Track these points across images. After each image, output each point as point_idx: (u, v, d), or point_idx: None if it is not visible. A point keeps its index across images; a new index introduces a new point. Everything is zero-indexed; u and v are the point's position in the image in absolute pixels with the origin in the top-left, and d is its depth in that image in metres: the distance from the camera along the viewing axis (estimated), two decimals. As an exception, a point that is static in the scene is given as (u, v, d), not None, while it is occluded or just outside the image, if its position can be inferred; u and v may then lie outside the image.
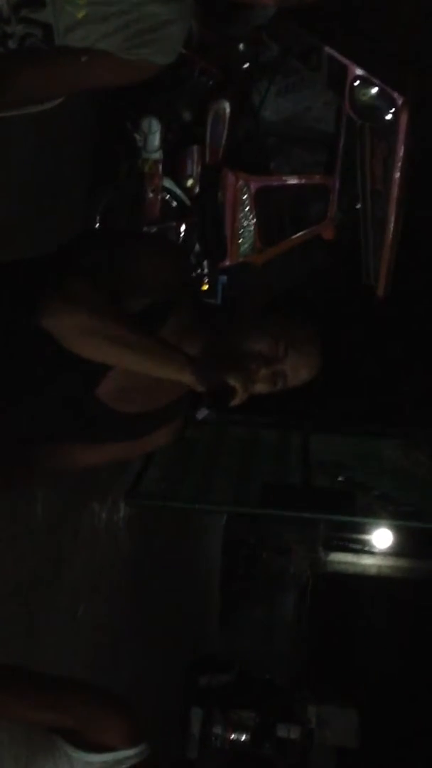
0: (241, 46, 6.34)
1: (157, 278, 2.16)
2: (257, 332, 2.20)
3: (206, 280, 6.94)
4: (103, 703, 2.31)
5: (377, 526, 12.50)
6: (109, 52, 2.22)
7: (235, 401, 2.09)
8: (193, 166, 6.43)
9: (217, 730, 10.68)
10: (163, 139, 6.17)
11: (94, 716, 2.26)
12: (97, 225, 6.21)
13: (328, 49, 5.96)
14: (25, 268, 2.26)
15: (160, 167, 6.25)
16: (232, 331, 2.22)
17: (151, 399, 2.25)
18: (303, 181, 7.01)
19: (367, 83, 5.88)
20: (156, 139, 6.14)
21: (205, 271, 6.88)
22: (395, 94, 5.82)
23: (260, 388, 2.20)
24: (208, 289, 7.01)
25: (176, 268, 2.30)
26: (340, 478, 9.08)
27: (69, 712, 2.25)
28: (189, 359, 2.07)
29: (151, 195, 6.33)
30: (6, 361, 2.11)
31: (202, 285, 6.90)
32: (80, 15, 2.18)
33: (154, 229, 6.44)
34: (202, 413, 2.07)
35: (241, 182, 6.67)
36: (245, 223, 6.87)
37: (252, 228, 6.89)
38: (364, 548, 17.18)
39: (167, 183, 6.38)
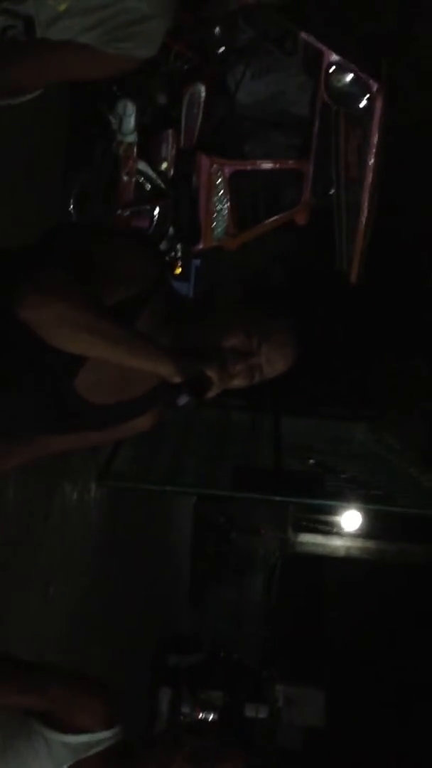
0: (216, 29, 6.32)
1: (132, 272, 2.18)
2: (230, 328, 2.22)
3: (180, 264, 6.95)
4: (79, 686, 2.34)
5: (346, 508, 12.56)
6: (90, 45, 2.24)
7: (211, 393, 2.13)
8: (168, 150, 6.42)
9: (185, 709, 10.75)
10: (138, 122, 6.16)
11: (70, 699, 2.29)
12: (72, 208, 6.20)
13: (304, 35, 5.97)
14: (2, 259, 2.27)
15: (135, 150, 6.24)
16: (205, 325, 2.25)
17: (127, 389, 2.27)
18: (277, 165, 7.00)
19: (342, 69, 5.91)
20: (131, 122, 6.12)
21: (179, 254, 6.89)
22: (370, 81, 5.86)
23: (238, 382, 2.23)
24: (181, 272, 7.03)
25: (150, 262, 2.31)
26: (310, 461, 9.15)
27: (45, 695, 2.28)
28: (166, 351, 2.10)
29: (125, 178, 6.32)
30: None
31: (175, 268, 6.91)
32: (62, 8, 2.19)
33: (127, 212, 6.43)
34: (183, 399, 2.11)
35: (215, 166, 6.67)
36: (219, 207, 6.87)
37: (226, 212, 6.89)
38: (332, 530, 17.27)
39: (142, 166, 6.37)
